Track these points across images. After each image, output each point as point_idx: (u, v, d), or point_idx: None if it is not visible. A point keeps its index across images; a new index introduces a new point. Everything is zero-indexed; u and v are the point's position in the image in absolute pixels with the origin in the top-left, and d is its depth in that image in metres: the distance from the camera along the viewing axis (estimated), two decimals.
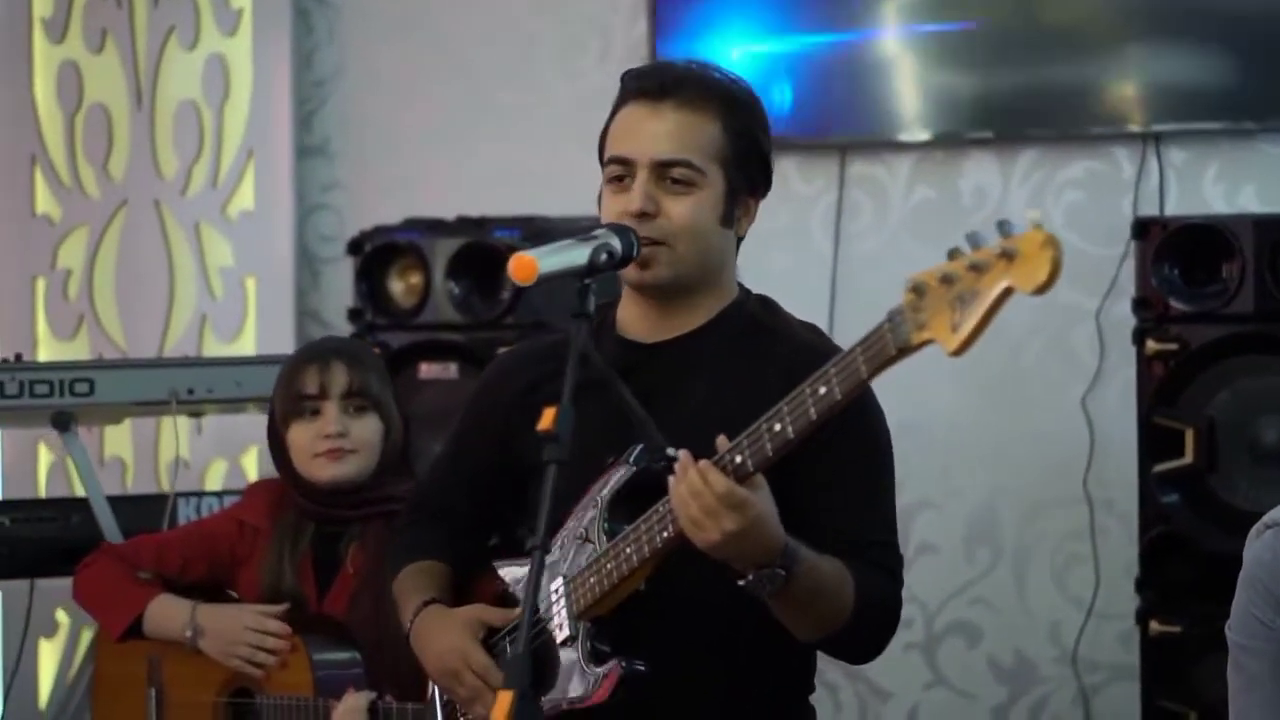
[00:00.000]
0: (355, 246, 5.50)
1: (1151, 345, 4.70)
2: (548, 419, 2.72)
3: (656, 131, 3.03)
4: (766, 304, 3.18)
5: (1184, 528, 4.72)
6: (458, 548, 3.32)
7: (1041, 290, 2.47)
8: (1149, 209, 5.18)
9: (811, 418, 2.71)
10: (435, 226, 5.46)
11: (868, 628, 2.99)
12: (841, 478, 2.97)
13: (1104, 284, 5.24)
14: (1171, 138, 5.21)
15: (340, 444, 3.89)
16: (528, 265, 2.86)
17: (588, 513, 3.01)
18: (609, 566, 2.94)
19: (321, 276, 6.12)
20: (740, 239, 3.15)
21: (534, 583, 2.64)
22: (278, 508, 4.00)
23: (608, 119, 3.14)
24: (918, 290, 2.57)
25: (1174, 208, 5.17)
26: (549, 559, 3.04)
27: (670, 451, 2.87)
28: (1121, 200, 5.26)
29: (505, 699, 2.44)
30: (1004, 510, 5.37)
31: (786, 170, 5.58)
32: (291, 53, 6.03)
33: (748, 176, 3.10)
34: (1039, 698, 5.33)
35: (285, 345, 5.91)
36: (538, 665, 3.01)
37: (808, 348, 3.06)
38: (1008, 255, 2.48)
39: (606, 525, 2.97)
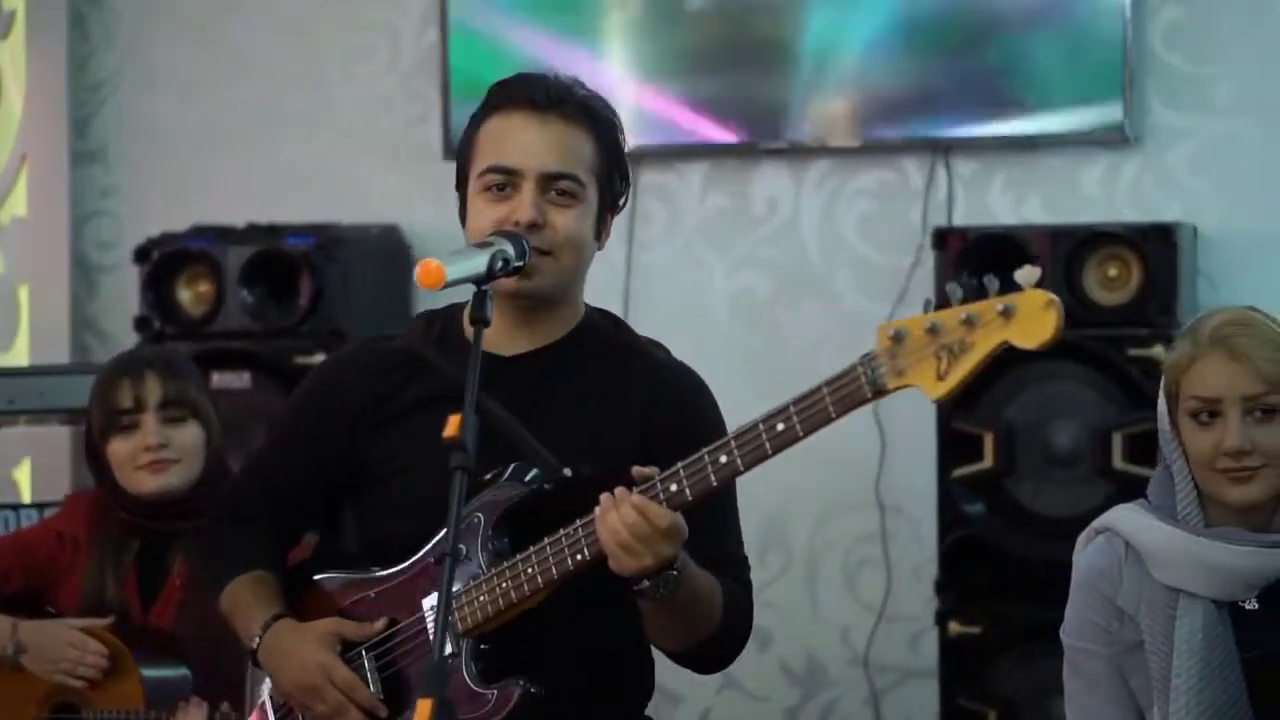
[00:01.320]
0: (142, 254, 5.41)
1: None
2: (453, 426, 2.70)
3: (545, 143, 3.04)
4: (615, 321, 3.22)
5: (983, 530, 4.84)
6: (279, 555, 3.26)
7: (1044, 346, 2.58)
8: (938, 219, 5.29)
9: (767, 452, 2.74)
10: (225, 234, 5.40)
11: (730, 637, 3.03)
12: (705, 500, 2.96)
13: (894, 292, 5.34)
14: (960, 148, 5.32)
15: (162, 455, 3.84)
16: (435, 272, 2.84)
17: (470, 529, 2.97)
18: (503, 585, 2.92)
19: (99, 285, 5.99)
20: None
21: (446, 589, 2.61)
22: (97, 519, 3.93)
23: (472, 127, 3.13)
24: (896, 338, 2.64)
25: (962, 218, 5.29)
26: (414, 571, 3.04)
27: (566, 472, 2.89)
28: (911, 210, 5.37)
29: (424, 707, 2.42)
30: (795, 515, 5.45)
31: None
32: (67, 56, 5.90)
33: (614, 192, 3.13)
34: (830, 700, 5.41)
35: (59, 355, 5.80)
36: (397, 685, 3.02)
37: (665, 367, 3.13)
38: (1006, 313, 2.58)
39: (493, 544, 2.95)
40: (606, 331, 3.16)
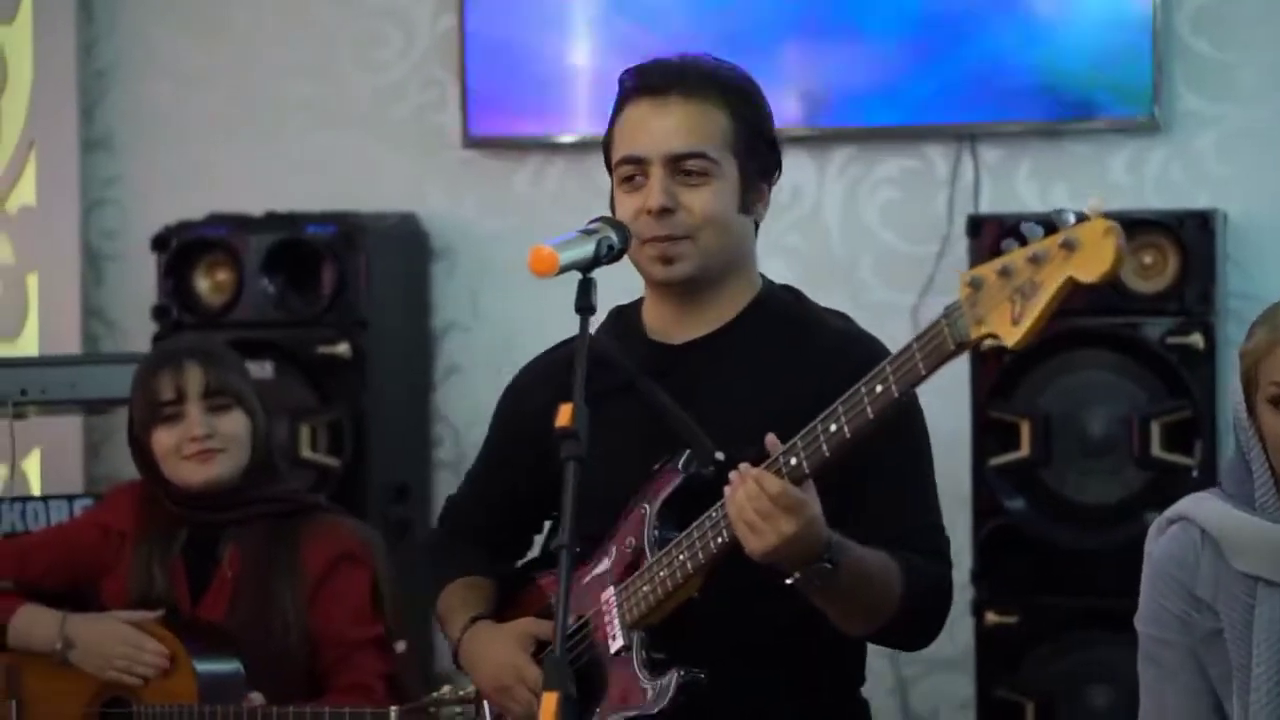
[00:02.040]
0: (160, 243, 5.34)
1: (987, 340, 4.76)
2: (565, 416, 2.68)
3: (666, 126, 3.01)
4: (794, 293, 3.16)
5: (1020, 519, 4.81)
6: (498, 563, 3.27)
7: (1105, 279, 2.48)
8: (964, 206, 5.26)
9: (869, 416, 2.70)
10: (244, 222, 5.34)
11: (919, 613, 2.98)
12: (881, 467, 2.95)
13: (920, 281, 5.30)
14: (986, 135, 5.30)
15: (208, 445, 3.79)
16: (549, 258, 2.80)
17: (636, 521, 2.97)
18: (662, 574, 2.90)
19: (105, 273, 5.92)
20: (758, 225, 3.12)
21: (565, 582, 2.58)
22: (143, 511, 3.87)
23: (610, 122, 3.10)
24: (974, 284, 2.57)
25: (988, 206, 5.26)
26: (598, 569, 3.02)
27: (719, 455, 2.87)
28: (936, 198, 5.34)
29: (550, 701, 2.38)
30: None
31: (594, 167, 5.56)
32: (75, 42, 5.82)
33: (759, 161, 3.08)
34: None
35: (70, 345, 5.73)
36: (592, 677, 2.99)
37: (846, 336, 3.08)
38: (1068, 246, 2.49)
39: (657, 533, 2.93)
40: (785, 306, 3.12)
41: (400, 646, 3.84)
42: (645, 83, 3.05)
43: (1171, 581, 3.21)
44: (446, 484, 5.59)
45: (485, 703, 3.16)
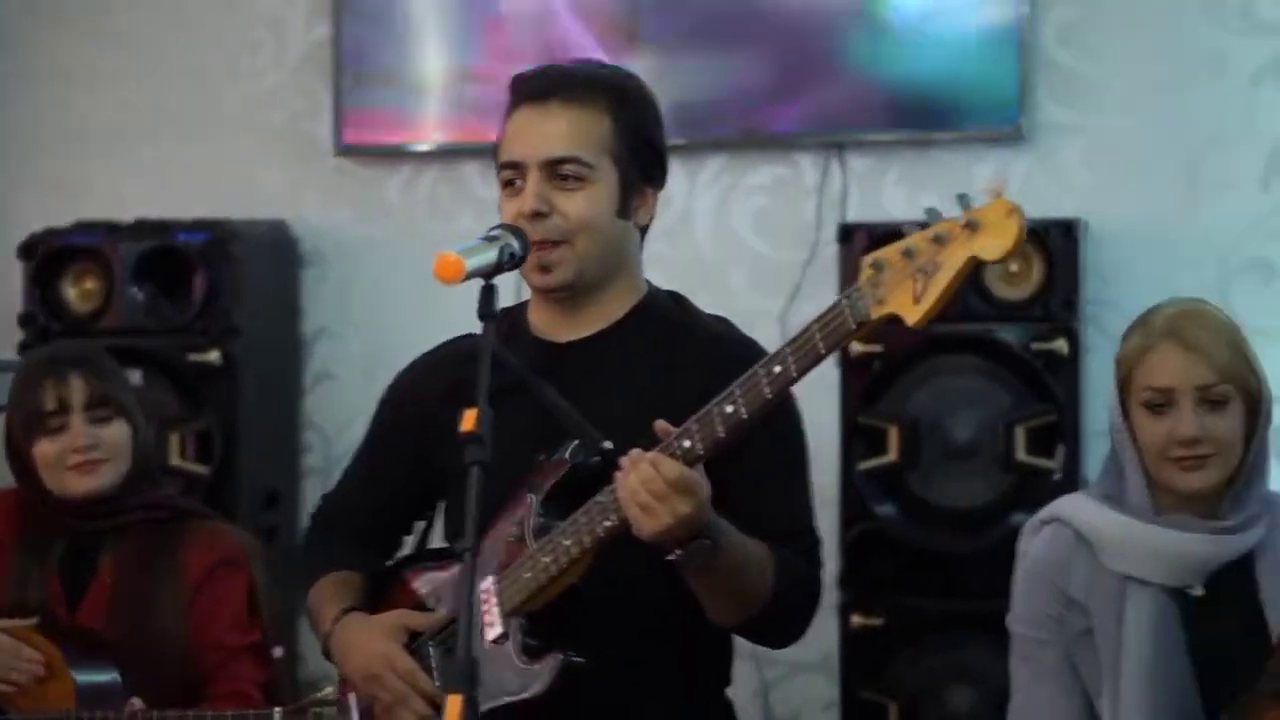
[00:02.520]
0: (28, 250, 5.31)
1: (857, 347, 4.84)
2: (469, 420, 2.69)
3: (544, 131, 3.04)
4: (678, 299, 3.20)
5: (887, 523, 4.88)
6: (370, 558, 3.27)
7: (1007, 256, 2.56)
8: (832, 215, 5.33)
9: (766, 396, 2.74)
10: (113, 230, 5.31)
11: (788, 609, 3.02)
12: (760, 465, 2.99)
13: (788, 287, 5.36)
14: (854, 145, 5.36)
15: (92, 456, 3.77)
16: (454, 265, 2.82)
17: (519, 511, 2.99)
18: (544, 560, 2.92)
19: None
20: (643, 231, 3.15)
21: (469, 584, 2.61)
22: (19, 520, 3.85)
23: (501, 127, 3.13)
24: (876, 266, 2.63)
25: (855, 214, 5.32)
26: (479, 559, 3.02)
27: (606, 445, 2.90)
28: (805, 206, 5.40)
29: (455, 703, 2.40)
30: None
31: (469, 175, 5.59)
32: None
33: (642, 167, 3.10)
34: None
35: None
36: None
37: (726, 339, 3.12)
38: (971, 226, 2.57)
39: (541, 520, 2.95)
40: (667, 310, 3.15)
41: (278, 652, 3.85)
42: (528, 88, 3.08)
43: (1046, 582, 3.28)
44: (315, 491, 5.57)
45: (351, 696, 3.17)
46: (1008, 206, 2.57)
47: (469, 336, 3.21)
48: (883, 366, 4.85)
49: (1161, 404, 3.20)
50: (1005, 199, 2.58)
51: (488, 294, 2.85)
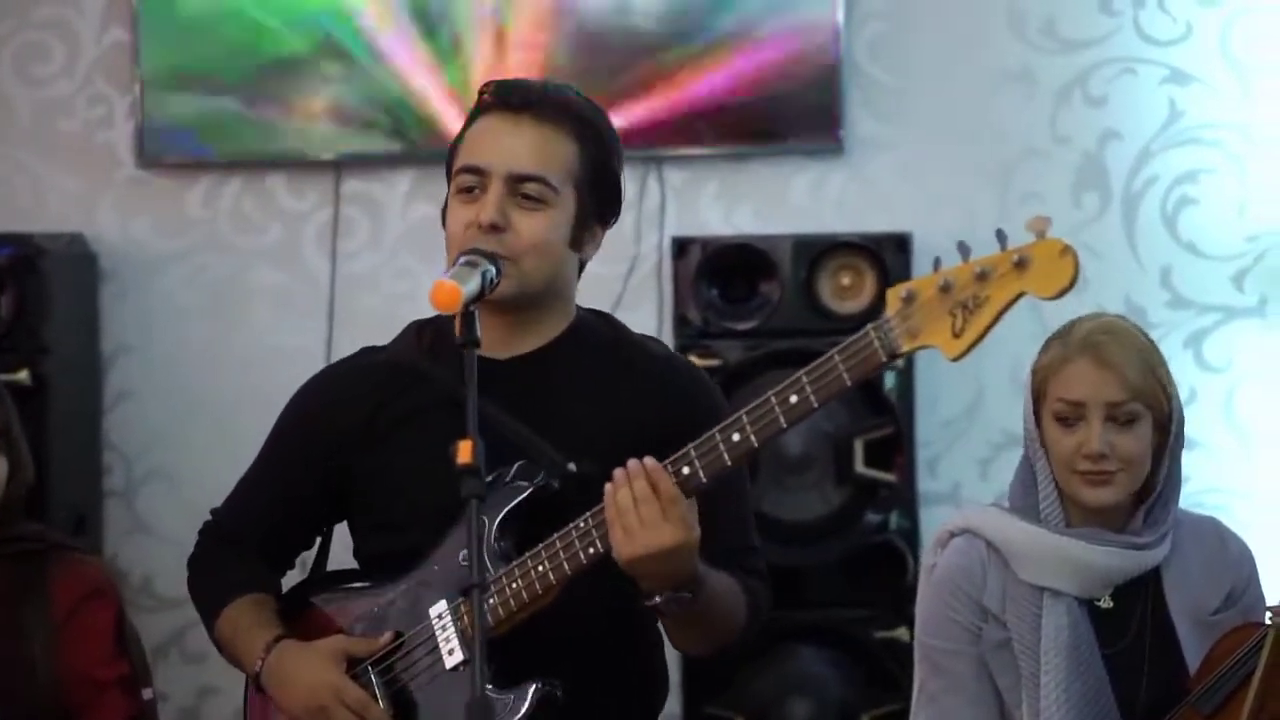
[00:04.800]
0: None
1: (695, 360, 4.82)
2: (465, 452, 2.61)
3: (514, 144, 2.96)
4: (610, 320, 3.15)
5: None
6: (274, 578, 3.17)
7: (1062, 294, 2.57)
8: (650, 228, 5.32)
9: (781, 424, 2.71)
10: None
11: (749, 634, 3.02)
12: (727, 489, 2.93)
13: (609, 300, 5.34)
14: (671, 160, 5.36)
15: None
16: (452, 292, 2.76)
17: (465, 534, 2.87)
18: (514, 586, 2.85)
19: None
20: (583, 264, 3.10)
21: (479, 622, 2.53)
22: None
23: (461, 129, 3.05)
24: (907, 299, 2.62)
25: (674, 227, 5.33)
26: (416, 582, 2.97)
27: (571, 467, 2.84)
28: (624, 219, 5.35)
29: None
30: None
31: (275, 186, 5.48)
32: None
33: (599, 201, 3.05)
34: None
35: None
36: (406, 700, 2.95)
37: (666, 361, 3.10)
38: (1021, 264, 2.57)
39: (499, 545, 2.88)
40: (600, 330, 3.10)
41: (147, 694, 3.72)
42: (503, 98, 3.00)
43: (959, 593, 3.29)
44: (118, 514, 5.43)
45: None
46: (1060, 246, 2.59)
47: (377, 349, 3.16)
48: (719, 380, 4.84)
49: (1071, 417, 3.24)
50: (1058, 239, 2.59)
51: (469, 320, 2.78)
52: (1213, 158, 5.32)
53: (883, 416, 4.87)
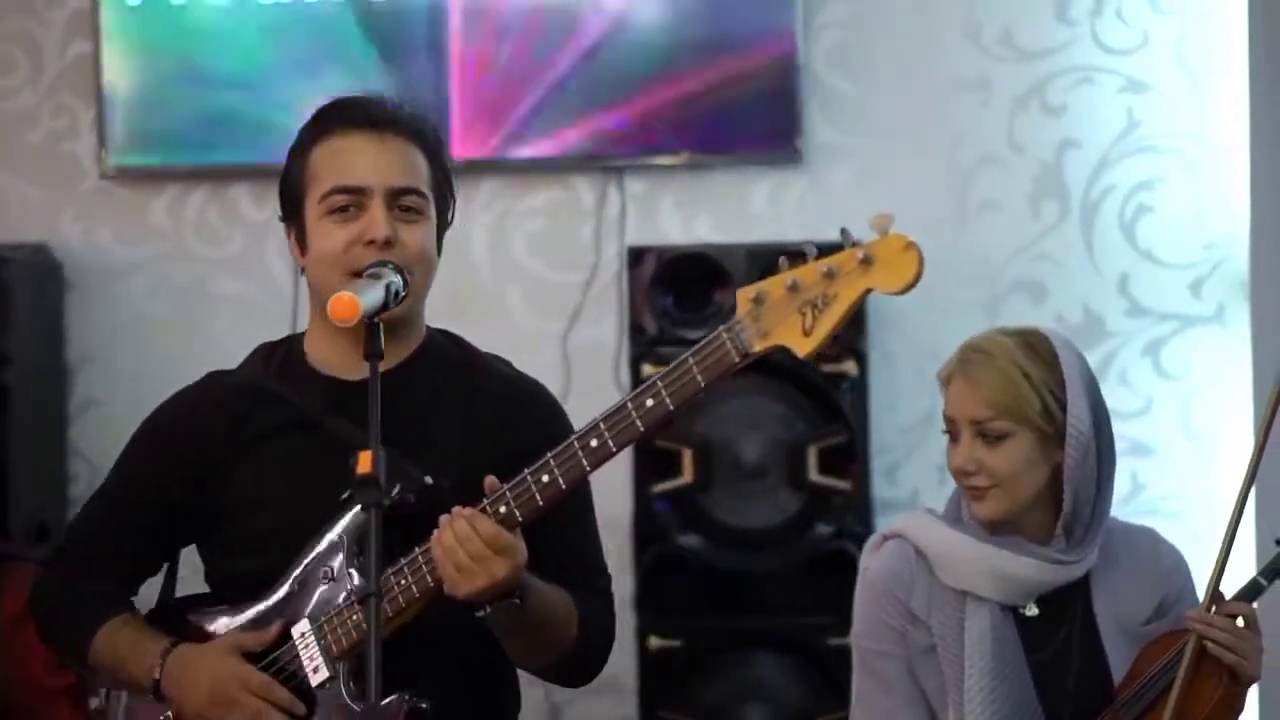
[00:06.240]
0: None
1: (649, 369, 4.86)
2: (365, 462, 2.63)
3: (387, 160, 2.99)
4: (456, 339, 3.17)
5: (681, 544, 4.90)
6: (131, 601, 3.17)
7: (907, 289, 2.61)
8: (610, 237, 5.34)
9: (639, 429, 2.74)
10: None
11: (590, 652, 3.04)
12: (561, 511, 2.94)
13: (568, 309, 5.37)
14: (631, 170, 5.39)
15: None
16: (350, 304, 2.76)
17: (327, 550, 2.93)
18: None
19: None
20: None
21: (374, 629, 2.55)
22: None
23: (299, 153, 3.05)
24: (757, 300, 2.65)
25: (634, 236, 5.35)
26: (267, 603, 2.98)
27: (426, 480, 2.86)
28: (583, 228, 5.41)
29: None
30: None
31: (238, 196, 5.50)
32: None
33: (446, 210, 3.09)
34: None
35: None
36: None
37: (514, 382, 3.12)
38: (866, 260, 2.61)
39: (358, 561, 2.90)
40: (449, 350, 3.12)
41: (94, 702, 3.74)
42: (360, 115, 3.02)
43: (889, 596, 3.33)
44: None
45: None
46: (903, 241, 2.63)
47: (226, 373, 3.17)
48: None
49: (952, 432, 3.29)
50: (899, 233, 2.64)
51: (374, 332, 2.80)
52: (1170, 166, 5.34)
53: (835, 424, 4.89)
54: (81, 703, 3.73)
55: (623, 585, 5.13)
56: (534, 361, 5.27)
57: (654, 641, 4.91)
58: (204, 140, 5.45)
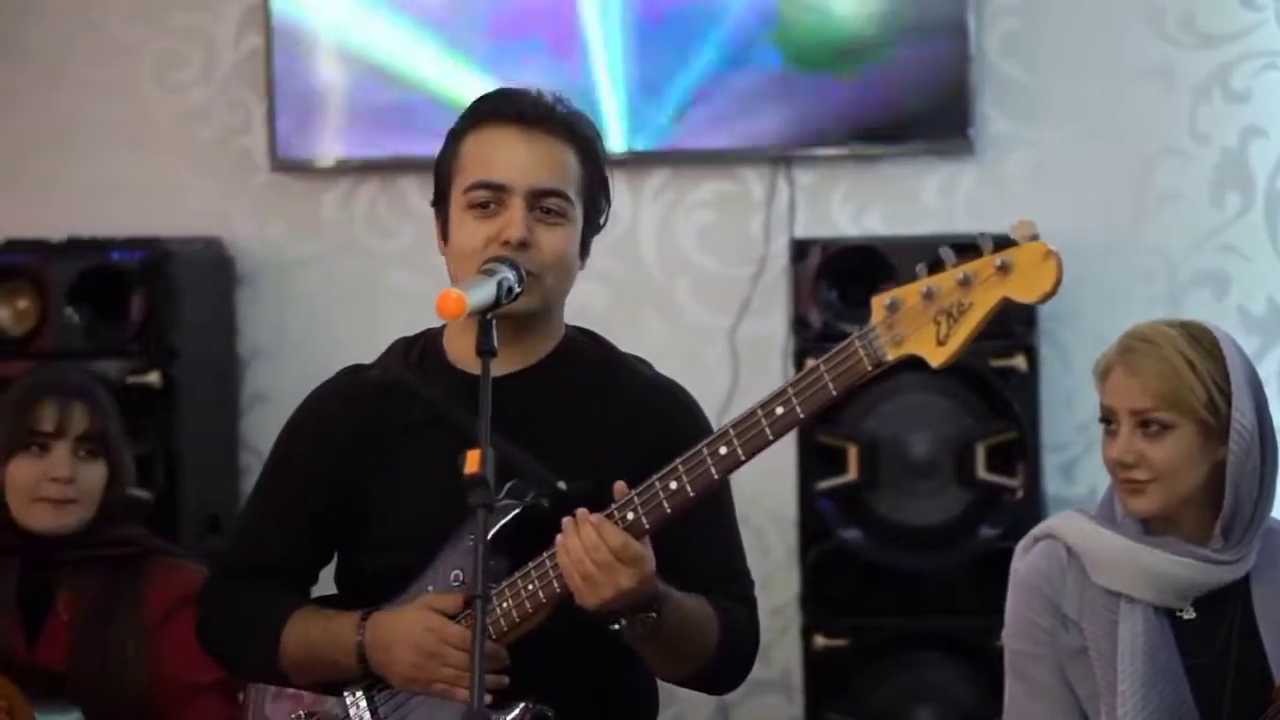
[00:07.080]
0: None
1: (812, 364, 4.77)
2: (473, 462, 2.60)
3: (533, 158, 2.95)
4: (595, 337, 3.13)
5: (847, 542, 4.84)
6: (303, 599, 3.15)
7: (1045, 299, 2.53)
8: (779, 230, 5.28)
9: (769, 438, 2.69)
10: (44, 248, 5.18)
11: (733, 660, 2.98)
12: (699, 515, 2.89)
13: (736, 303, 5.32)
14: (800, 161, 5.31)
15: (66, 492, 3.68)
16: (457, 301, 2.73)
17: (464, 553, 2.89)
18: (505, 605, 2.86)
19: None
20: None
21: (480, 632, 2.52)
22: None
23: (453, 144, 3.02)
24: (891, 307, 2.59)
25: (803, 228, 5.28)
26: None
27: (560, 486, 2.83)
28: (752, 221, 5.35)
29: None
30: None
31: (408, 189, 5.50)
32: None
33: (595, 214, 3.04)
34: (676, 713, 5.35)
35: None
36: (398, 713, 2.96)
37: (653, 383, 3.07)
38: (1004, 268, 2.53)
39: (490, 564, 2.81)
40: (588, 349, 3.09)
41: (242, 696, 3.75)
42: (513, 110, 2.98)
43: (1040, 596, 3.24)
44: None
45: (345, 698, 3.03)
46: (1044, 249, 2.55)
47: (364, 367, 3.14)
48: None
49: (1109, 424, 3.20)
50: (1041, 241, 2.56)
51: (486, 329, 2.77)
52: None
53: (1004, 420, 4.79)
54: (230, 698, 3.74)
55: (788, 583, 5.09)
56: (702, 355, 5.35)
57: (820, 640, 4.84)
58: (376, 133, 5.45)
